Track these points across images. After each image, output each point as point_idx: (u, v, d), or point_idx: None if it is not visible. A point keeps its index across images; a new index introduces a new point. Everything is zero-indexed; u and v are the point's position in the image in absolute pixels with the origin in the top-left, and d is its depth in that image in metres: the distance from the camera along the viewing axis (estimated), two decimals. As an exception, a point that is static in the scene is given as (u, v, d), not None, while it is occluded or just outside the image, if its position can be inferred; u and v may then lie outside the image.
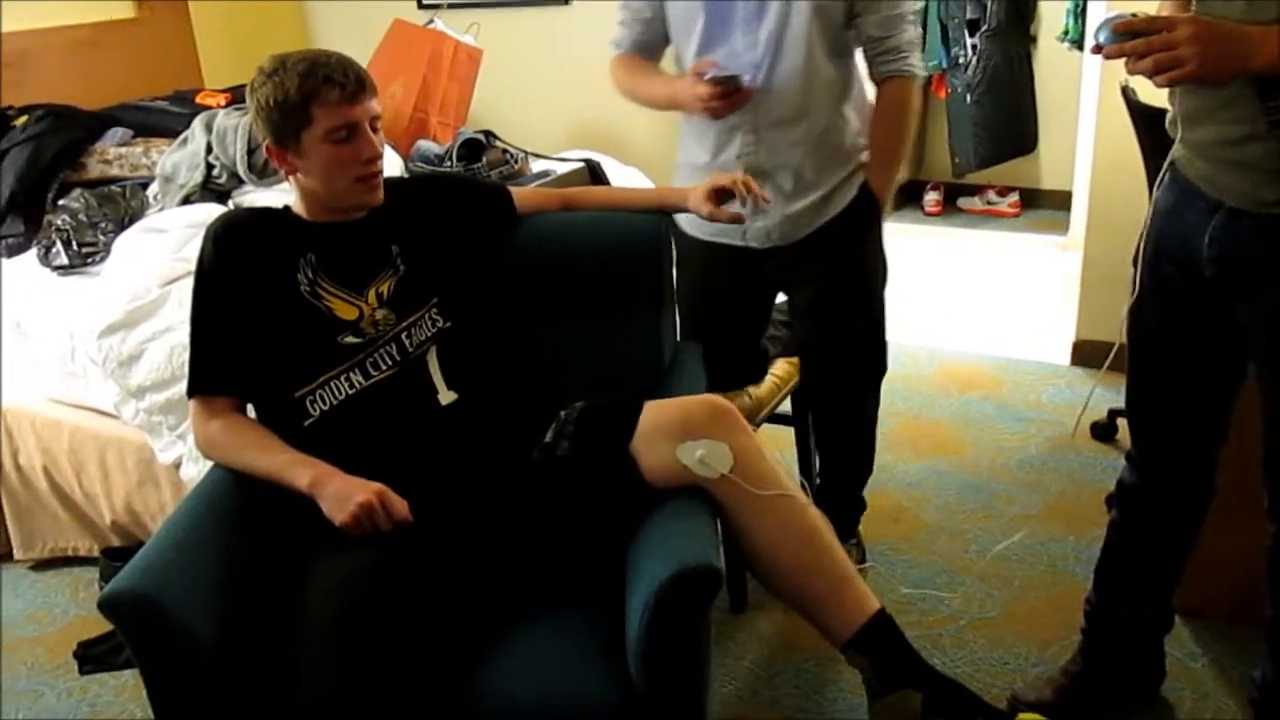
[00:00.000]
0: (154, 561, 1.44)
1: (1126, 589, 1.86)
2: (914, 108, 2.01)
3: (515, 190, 1.94)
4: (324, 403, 1.62)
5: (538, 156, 3.07)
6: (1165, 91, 1.47)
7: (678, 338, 2.08)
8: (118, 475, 2.45)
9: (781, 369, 2.32)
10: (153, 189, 2.79)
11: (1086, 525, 2.47)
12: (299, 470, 1.54)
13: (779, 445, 2.45)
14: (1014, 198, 4.99)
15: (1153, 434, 1.74)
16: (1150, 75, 1.28)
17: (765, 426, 2.30)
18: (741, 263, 2.06)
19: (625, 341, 1.92)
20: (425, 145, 3.03)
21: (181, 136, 2.80)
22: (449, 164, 2.89)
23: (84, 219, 2.63)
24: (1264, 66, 1.26)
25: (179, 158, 2.74)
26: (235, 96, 3.01)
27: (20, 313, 2.55)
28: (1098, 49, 1.32)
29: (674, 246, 1.97)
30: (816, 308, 2.12)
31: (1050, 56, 4.76)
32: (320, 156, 1.61)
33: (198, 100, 3.09)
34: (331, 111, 1.58)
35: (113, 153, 2.96)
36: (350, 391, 1.63)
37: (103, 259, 2.56)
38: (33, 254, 2.67)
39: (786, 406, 2.38)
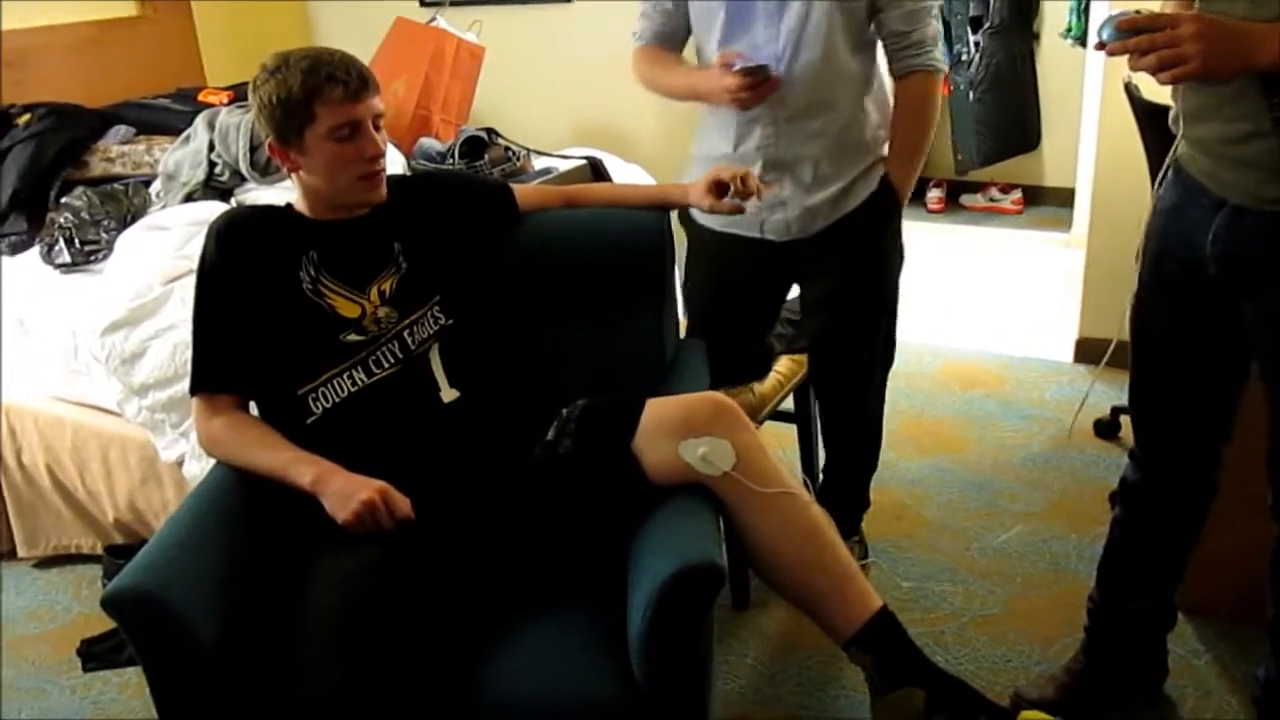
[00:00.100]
0: (157, 559, 1.44)
1: (1129, 586, 1.86)
2: (937, 102, 2.01)
3: (517, 188, 1.94)
4: (326, 400, 1.63)
5: (540, 154, 3.06)
6: (1168, 88, 1.47)
7: (683, 331, 2.07)
8: (120, 473, 2.46)
9: (786, 366, 2.33)
10: (155, 187, 2.79)
11: (1089, 523, 2.46)
12: (302, 468, 1.54)
13: (781, 442, 2.44)
14: (1017, 195, 4.98)
15: (1155, 432, 1.74)
16: (1153, 72, 1.27)
17: (768, 424, 2.30)
18: (759, 255, 2.06)
19: (627, 338, 1.93)
20: (427, 143, 3.03)
21: (184, 134, 2.80)
22: (451, 161, 2.89)
23: (86, 217, 2.63)
24: (1267, 64, 1.25)
25: (181, 155, 2.74)
26: (238, 94, 3.01)
27: (23, 310, 2.55)
28: (1101, 46, 1.32)
29: (686, 238, 1.96)
30: (833, 300, 2.12)
31: (1053, 53, 4.75)
32: (323, 154, 1.61)
33: (200, 98, 3.10)
34: (334, 109, 1.58)
35: (115, 151, 2.96)
36: (353, 389, 1.63)
37: (105, 257, 2.56)
38: (35, 252, 2.67)
39: (789, 404, 2.39)
